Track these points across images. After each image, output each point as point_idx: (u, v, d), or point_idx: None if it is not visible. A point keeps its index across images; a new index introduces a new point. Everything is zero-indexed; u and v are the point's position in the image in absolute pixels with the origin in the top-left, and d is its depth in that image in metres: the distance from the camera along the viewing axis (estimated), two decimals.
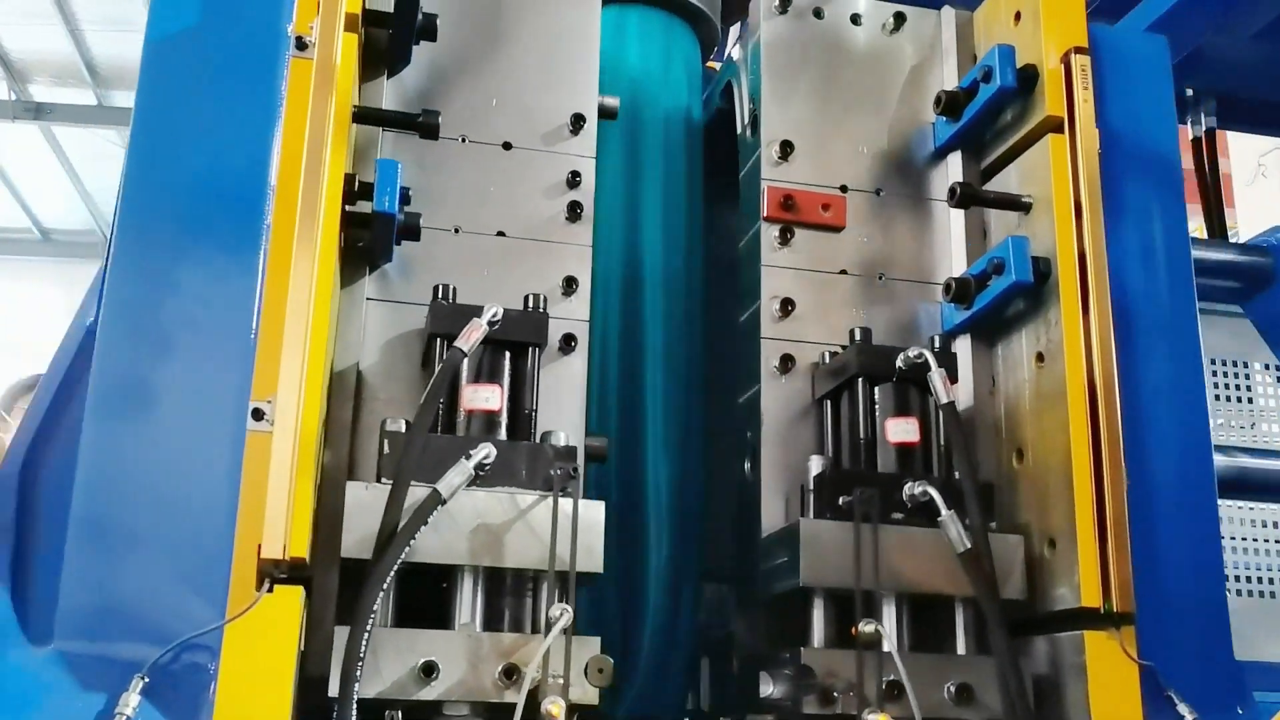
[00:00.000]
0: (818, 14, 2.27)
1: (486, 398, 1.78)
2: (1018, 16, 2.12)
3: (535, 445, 1.77)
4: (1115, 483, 1.80)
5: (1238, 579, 3.08)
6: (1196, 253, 3.11)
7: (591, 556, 1.71)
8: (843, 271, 2.15)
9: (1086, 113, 1.97)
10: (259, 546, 1.51)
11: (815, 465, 1.93)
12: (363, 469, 1.80)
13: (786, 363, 2.06)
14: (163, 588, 1.58)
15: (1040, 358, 1.96)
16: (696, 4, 2.52)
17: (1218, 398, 3.28)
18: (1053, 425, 1.90)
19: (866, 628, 1.74)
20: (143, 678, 1.47)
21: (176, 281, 1.71)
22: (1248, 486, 2.68)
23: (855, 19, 2.29)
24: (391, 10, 1.90)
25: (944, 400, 1.86)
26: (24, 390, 3.96)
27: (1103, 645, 1.77)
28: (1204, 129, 4.00)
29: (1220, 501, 2.93)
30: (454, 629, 1.69)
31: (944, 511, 1.81)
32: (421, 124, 1.91)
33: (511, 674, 1.62)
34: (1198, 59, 3.57)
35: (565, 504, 1.71)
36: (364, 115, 1.87)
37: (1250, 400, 3.39)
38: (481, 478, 1.69)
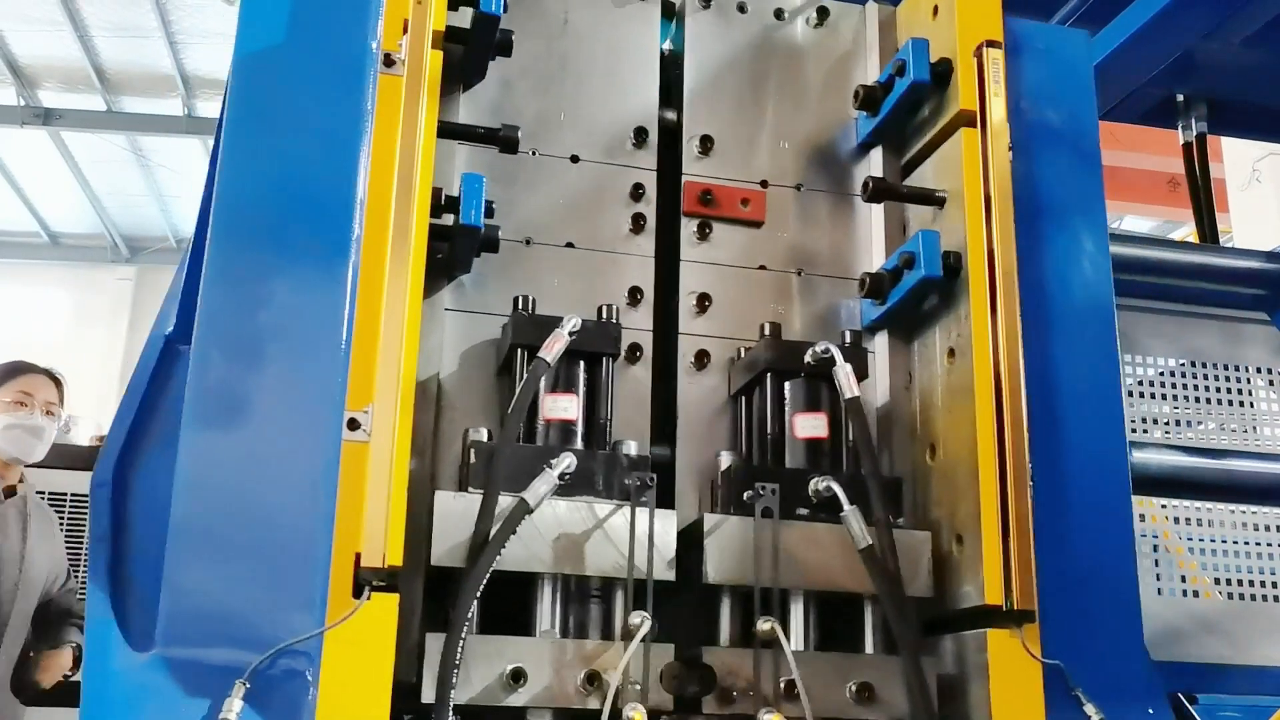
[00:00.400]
0: (741, 8, 2.26)
1: (565, 407, 1.83)
2: (935, 10, 2.11)
3: (610, 454, 1.82)
4: (1019, 480, 1.78)
5: (1228, 582, 3.06)
6: (1224, 260, 3.21)
7: (666, 565, 1.74)
8: (762, 267, 2.14)
9: (997, 107, 1.95)
10: (357, 555, 1.55)
11: (725, 460, 1.93)
12: (443, 476, 1.83)
13: (702, 358, 2.05)
14: (260, 594, 1.62)
15: (951, 353, 1.95)
16: None
17: (1208, 400, 3.25)
18: (961, 421, 1.88)
19: (764, 625, 1.73)
20: (244, 683, 1.51)
21: (268, 293, 1.76)
22: (1236, 490, 2.68)
23: (779, 14, 2.28)
24: (470, 27, 1.93)
25: (847, 396, 1.85)
26: (5, 375, 4.04)
27: (1005, 643, 1.75)
28: (1195, 134, 3.97)
29: (1211, 505, 2.95)
30: (536, 635, 1.72)
31: (846, 507, 1.79)
32: (502, 138, 1.95)
33: (593, 680, 1.67)
34: (1188, 64, 3.55)
35: (640, 512, 1.75)
36: (447, 130, 1.90)
37: (1243, 404, 3.37)
38: (561, 487, 1.73)
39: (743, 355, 2.03)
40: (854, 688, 1.75)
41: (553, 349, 1.78)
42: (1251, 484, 2.73)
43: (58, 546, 4.11)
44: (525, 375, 1.80)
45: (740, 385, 2.00)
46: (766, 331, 1.97)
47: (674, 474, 1.98)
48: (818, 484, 1.83)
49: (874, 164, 2.20)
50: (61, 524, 4.36)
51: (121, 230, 17.36)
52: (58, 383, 4.16)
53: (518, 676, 1.65)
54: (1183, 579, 3.00)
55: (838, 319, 2.13)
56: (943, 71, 2.04)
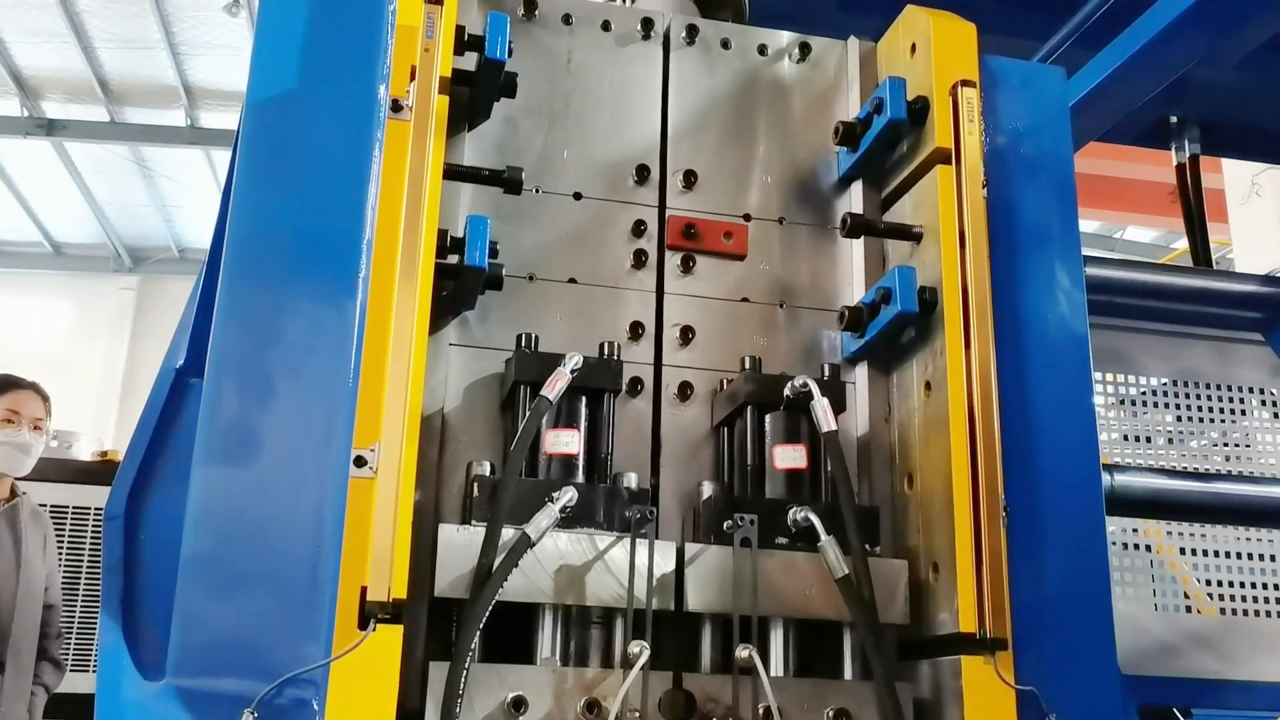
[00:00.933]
0: (725, 44, 2.32)
1: (566, 442, 1.89)
2: (913, 49, 2.16)
3: (611, 488, 1.88)
4: (993, 511, 1.83)
5: (1220, 598, 3.11)
6: (1221, 284, 3.27)
7: (666, 595, 1.80)
8: (745, 299, 2.19)
9: (972, 145, 2.01)
10: (363, 588, 1.60)
11: (706, 489, 1.98)
12: (446, 508, 1.89)
13: (685, 390, 2.10)
14: (269, 625, 1.68)
15: (928, 386, 2.00)
16: None
17: (1200, 420, 3.31)
18: (937, 452, 1.94)
19: (742, 653, 1.78)
20: (252, 712, 1.56)
21: (279, 331, 1.81)
22: (1221, 512, 2.73)
23: (762, 49, 2.34)
24: (475, 70, 1.99)
25: (824, 429, 1.90)
26: None
27: (979, 670, 1.80)
28: (1188, 155, 4.02)
29: (1200, 525, 2.99)
30: (536, 664, 1.78)
31: (823, 537, 1.84)
32: (507, 179, 2.00)
33: (593, 708, 1.72)
34: (1182, 87, 3.61)
35: (640, 544, 1.81)
36: (453, 172, 1.96)
37: (1234, 422, 3.42)
38: (562, 519, 1.79)
39: (725, 387, 2.08)
40: (831, 714, 1.80)
41: (555, 387, 1.83)
42: (1237, 506, 2.78)
43: (50, 556, 4.17)
44: (528, 412, 1.85)
45: (722, 417, 2.05)
46: (747, 365, 2.02)
47: (658, 502, 2.03)
48: (796, 514, 1.88)
49: (855, 198, 2.26)
50: (61, 537, 4.43)
51: (124, 240, 17.44)
52: (44, 398, 4.24)
53: (519, 705, 1.70)
54: (1185, 595, 3.06)
55: (819, 351, 2.18)
56: (919, 109, 2.09)
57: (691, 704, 1.78)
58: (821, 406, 1.90)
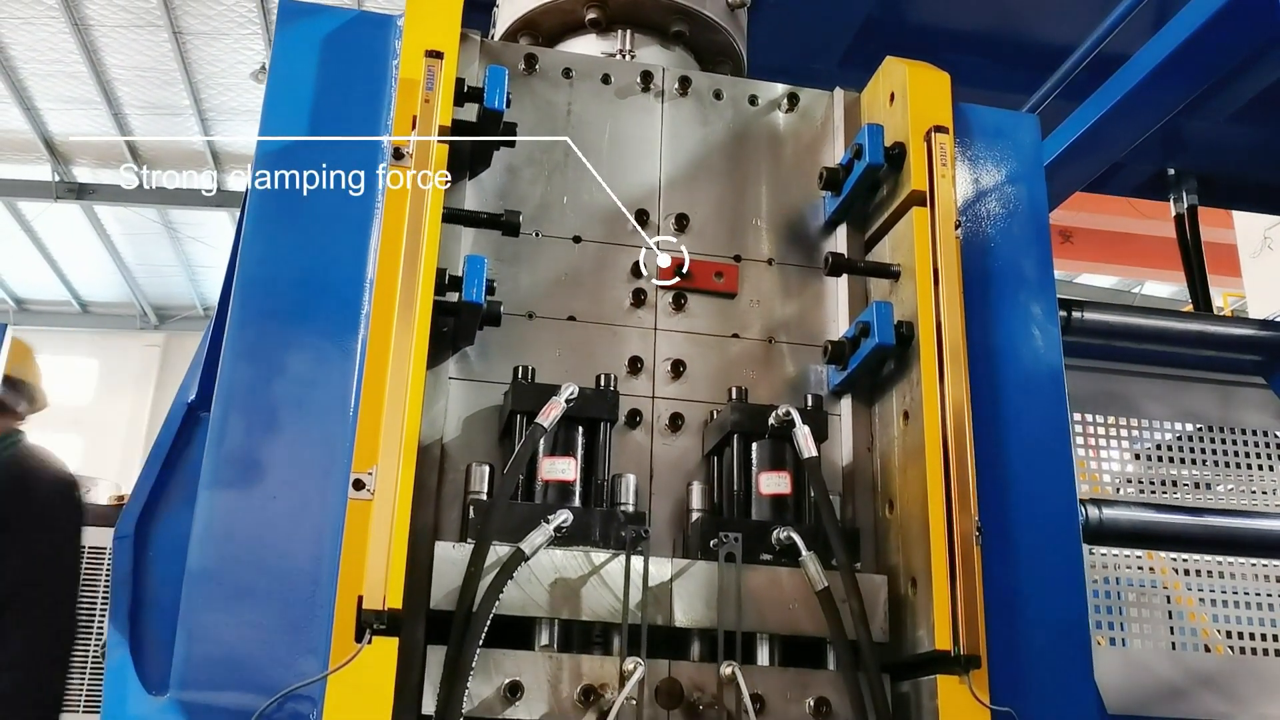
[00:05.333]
0: (717, 95, 2.46)
1: (563, 469, 1.97)
2: (892, 97, 2.29)
3: (608, 510, 1.96)
4: (965, 530, 1.90)
5: (1228, 635, 3.13)
6: (1224, 328, 3.37)
7: (659, 607, 1.87)
8: (735, 335, 2.29)
9: (944, 188, 2.12)
10: (359, 598, 1.68)
11: (695, 513, 2.06)
12: (446, 532, 1.97)
13: (676, 421, 2.19)
14: (270, 640, 1.76)
15: (906, 416, 2.08)
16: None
17: (1202, 462, 3.37)
18: (915, 477, 2.01)
19: (726, 670, 1.85)
20: None
21: (283, 365, 1.93)
22: (1215, 543, 2.79)
23: (753, 99, 2.47)
24: (475, 120, 2.12)
25: (805, 455, 1.98)
26: None
27: (955, 689, 1.85)
28: (1185, 207, 4.14)
29: (1198, 557, 3.03)
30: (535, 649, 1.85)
31: (804, 552, 1.92)
32: (504, 223, 2.12)
33: (589, 695, 1.78)
34: (1176, 139, 3.73)
35: (636, 561, 1.88)
36: (453, 215, 2.08)
37: (1236, 465, 3.46)
38: (559, 539, 1.87)
39: (714, 417, 2.17)
40: (812, 703, 1.88)
41: (549, 415, 1.92)
42: (1221, 537, 2.83)
43: None
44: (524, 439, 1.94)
45: (711, 445, 2.14)
46: (734, 396, 2.11)
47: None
48: (779, 534, 1.96)
49: (839, 240, 2.37)
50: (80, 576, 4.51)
51: (150, 299, 17.78)
52: None
53: (515, 690, 1.77)
54: (1193, 633, 3.09)
55: (806, 384, 2.27)
56: (896, 155, 2.21)
57: (674, 693, 1.83)
58: (803, 434, 1.99)
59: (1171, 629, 3.08)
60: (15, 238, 15.86)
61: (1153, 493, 3.26)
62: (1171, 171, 4.11)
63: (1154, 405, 3.50)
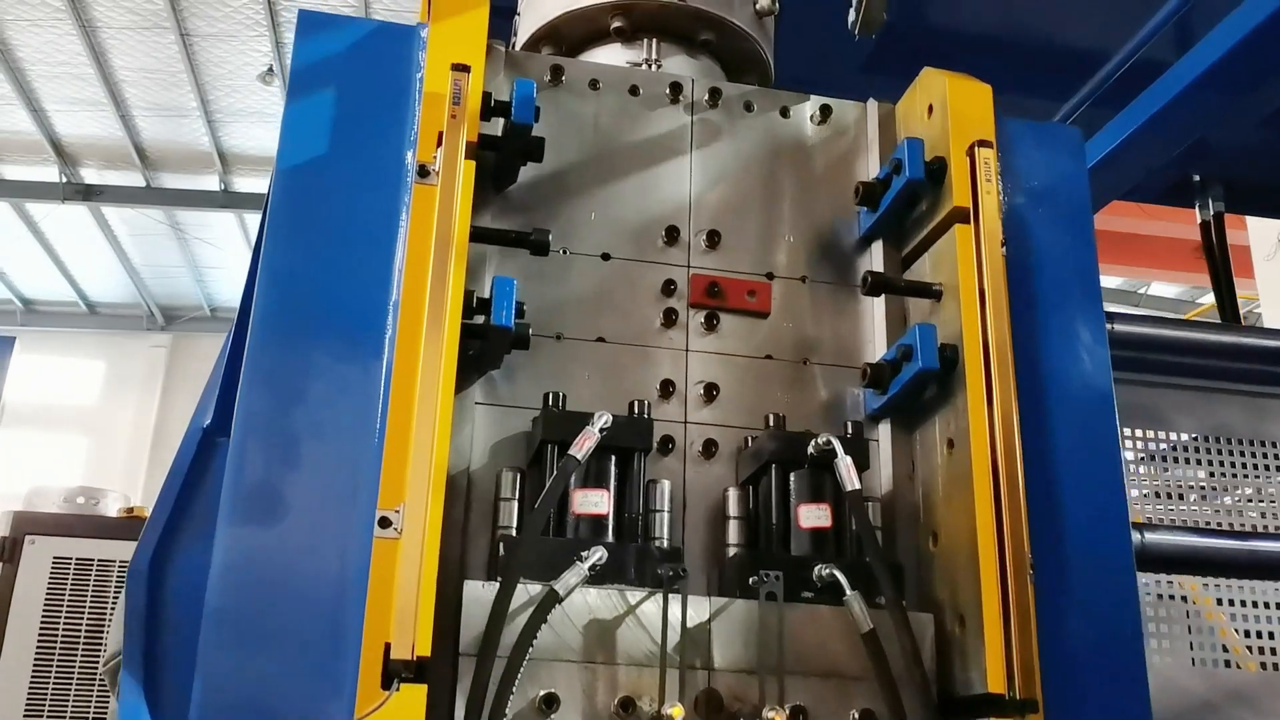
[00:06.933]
0: (748, 107, 2.37)
1: (595, 502, 1.88)
2: (930, 109, 2.20)
3: (642, 546, 1.87)
4: (1019, 568, 1.82)
5: (1260, 651, 3.06)
6: (1252, 339, 3.27)
7: (696, 649, 1.79)
8: (768, 356, 2.21)
9: (990, 204, 2.03)
10: (387, 645, 1.60)
11: (732, 547, 1.98)
12: (472, 566, 1.89)
13: (710, 447, 2.11)
14: (292, 684, 1.67)
15: (950, 444, 2.00)
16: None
17: (1234, 476, 3.30)
18: (960, 510, 1.93)
19: (769, 714, 1.77)
20: None
21: (305, 392, 1.83)
22: (1262, 568, 2.70)
23: (784, 111, 2.39)
24: (501, 134, 2.04)
25: (848, 488, 1.90)
26: None
27: None
28: (1212, 213, 4.04)
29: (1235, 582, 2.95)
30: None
31: (848, 591, 1.84)
32: (533, 241, 2.04)
33: (628, 706, 1.72)
34: (1203, 146, 3.65)
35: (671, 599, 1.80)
36: (479, 234, 1.99)
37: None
38: (592, 577, 1.79)
39: (749, 444, 2.09)
40: (856, 715, 1.80)
41: (583, 446, 1.84)
42: (1268, 562, 2.74)
43: None
44: (555, 470, 1.86)
45: (747, 475, 2.06)
46: (771, 422, 2.03)
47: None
48: (821, 570, 1.88)
49: (875, 256, 2.28)
50: (86, 590, 4.52)
51: (157, 299, 17.76)
52: None
53: (550, 702, 1.70)
54: (1224, 649, 3.01)
55: (842, 407, 2.19)
56: (937, 169, 2.12)
57: (720, 703, 1.76)
58: (845, 465, 1.91)
59: (1191, 644, 3.01)
60: (22, 239, 15.85)
61: (1182, 508, 3.19)
62: (1197, 178, 4.03)
63: (1182, 417, 3.43)
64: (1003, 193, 2.13)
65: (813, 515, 1.95)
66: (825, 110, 2.39)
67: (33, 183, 14.45)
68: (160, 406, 17.95)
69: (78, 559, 4.58)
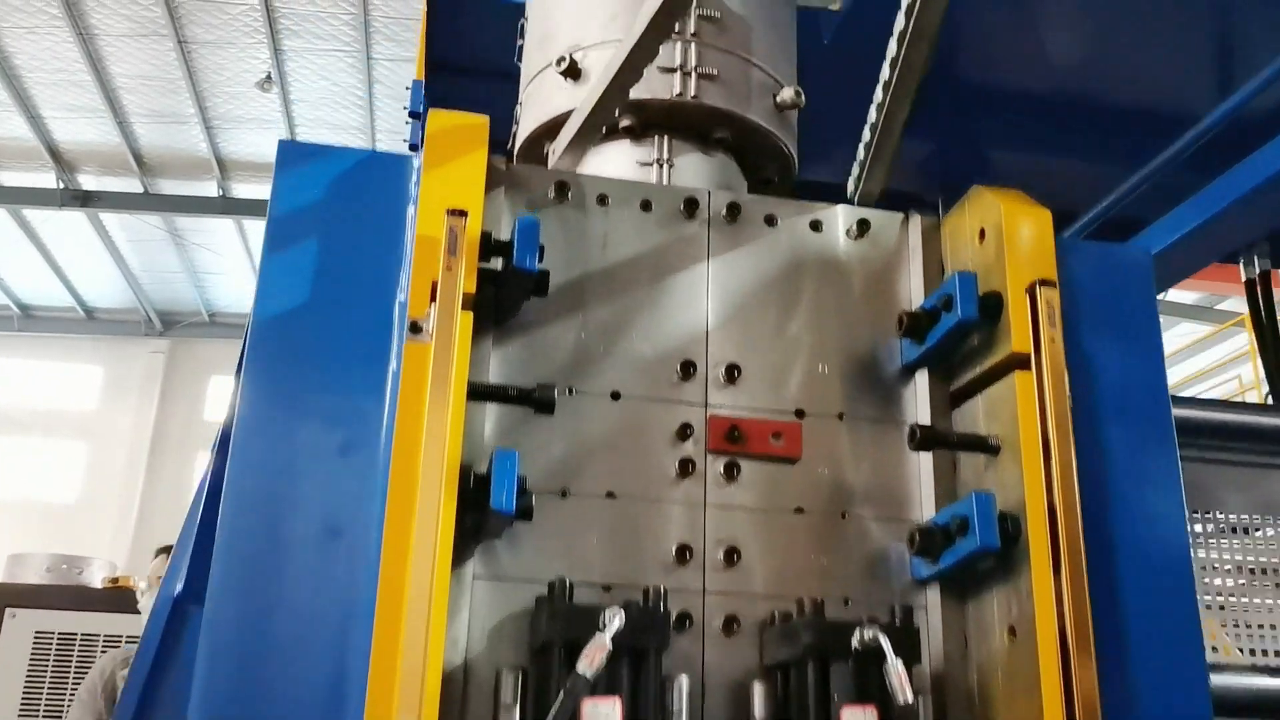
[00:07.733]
0: (770, 221, 2.12)
1: (606, 714, 1.63)
2: (982, 234, 1.95)
3: None
4: None
5: None
6: None
7: None
8: (799, 510, 1.96)
9: (1055, 351, 1.78)
10: None
11: None
12: None
13: (731, 624, 1.86)
14: None
15: (1012, 631, 1.76)
16: None
17: None
18: (1027, 714, 1.69)
19: None
20: None
21: (280, 570, 1.66)
22: None
23: (815, 225, 2.13)
24: (501, 271, 1.80)
25: (900, 701, 1.66)
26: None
27: None
28: (1258, 271, 3.75)
29: None
30: None
31: None
32: (537, 399, 1.80)
33: None
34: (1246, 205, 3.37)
35: None
36: (477, 392, 1.76)
37: None
38: None
39: (777, 619, 1.85)
40: None
41: (594, 661, 1.60)
42: None
43: None
44: (560, 675, 1.62)
45: (776, 660, 1.82)
46: (807, 608, 1.79)
47: None
48: None
49: (920, 390, 2.03)
50: (68, 664, 4.38)
51: (155, 305, 17.60)
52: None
53: None
54: None
55: (887, 570, 1.94)
56: (992, 305, 1.88)
57: None
58: (896, 672, 1.66)
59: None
60: (20, 245, 15.70)
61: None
62: None
63: (1233, 495, 3.23)
64: (1064, 326, 1.88)
65: (858, 718, 1.71)
66: (863, 225, 2.13)
67: (30, 189, 14.31)
68: (158, 412, 17.81)
69: (60, 633, 4.38)
